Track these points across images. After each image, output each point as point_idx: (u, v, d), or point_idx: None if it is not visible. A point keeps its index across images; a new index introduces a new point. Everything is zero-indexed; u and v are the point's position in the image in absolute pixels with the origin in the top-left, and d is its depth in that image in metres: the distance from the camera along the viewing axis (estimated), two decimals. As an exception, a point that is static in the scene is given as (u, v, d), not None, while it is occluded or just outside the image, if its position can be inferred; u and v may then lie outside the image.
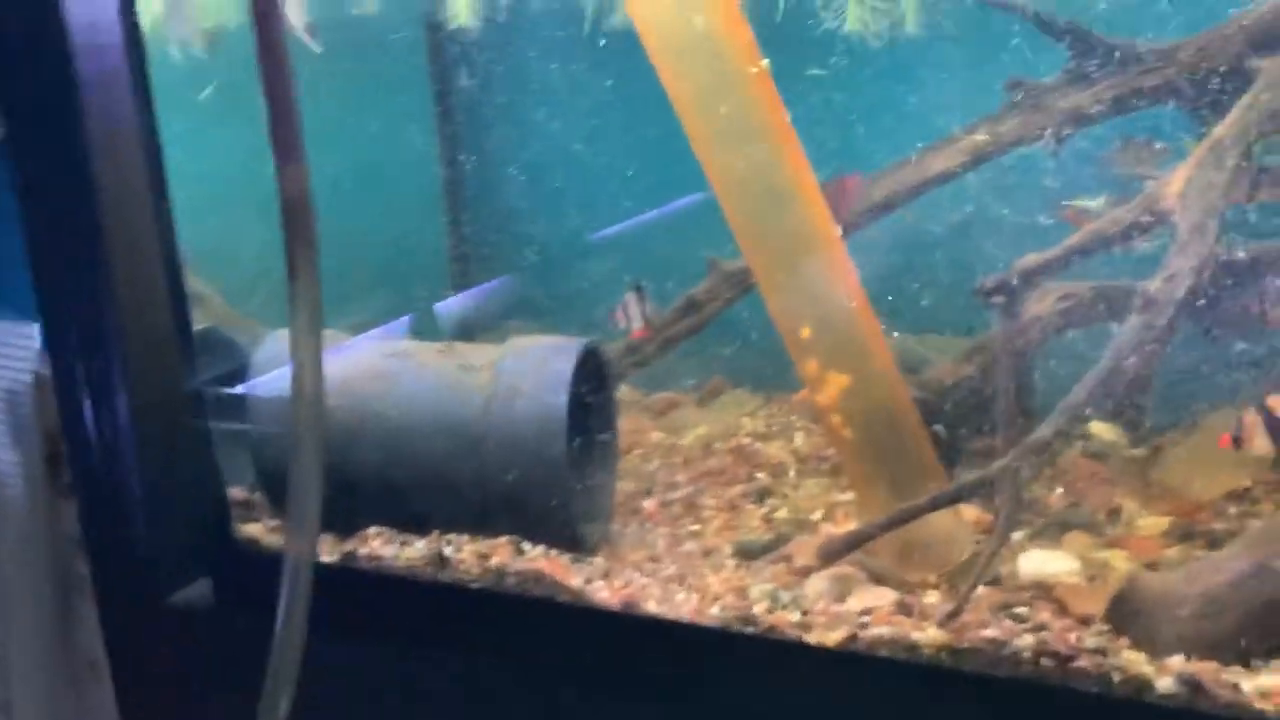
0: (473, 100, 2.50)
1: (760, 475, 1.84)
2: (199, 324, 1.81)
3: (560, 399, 1.51)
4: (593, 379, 1.63)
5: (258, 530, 1.73)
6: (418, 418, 1.58)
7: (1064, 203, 1.71)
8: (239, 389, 1.67)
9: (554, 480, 1.51)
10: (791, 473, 1.85)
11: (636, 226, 2.32)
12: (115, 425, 1.68)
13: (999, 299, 1.52)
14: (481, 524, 1.58)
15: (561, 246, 2.52)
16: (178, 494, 1.74)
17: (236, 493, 1.78)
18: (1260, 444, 1.42)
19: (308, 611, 1.08)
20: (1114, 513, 1.66)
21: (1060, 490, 1.74)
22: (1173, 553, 1.54)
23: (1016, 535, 1.62)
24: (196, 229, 2.12)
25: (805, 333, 1.42)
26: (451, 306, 2.58)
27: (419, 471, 1.58)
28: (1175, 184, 1.46)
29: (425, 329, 2.49)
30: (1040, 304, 1.74)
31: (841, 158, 1.92)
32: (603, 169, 2.43)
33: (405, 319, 2.57)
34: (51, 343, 1.66)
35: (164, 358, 1.67)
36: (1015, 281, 1.52)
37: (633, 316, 1.86)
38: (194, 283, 2.12)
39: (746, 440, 1.98)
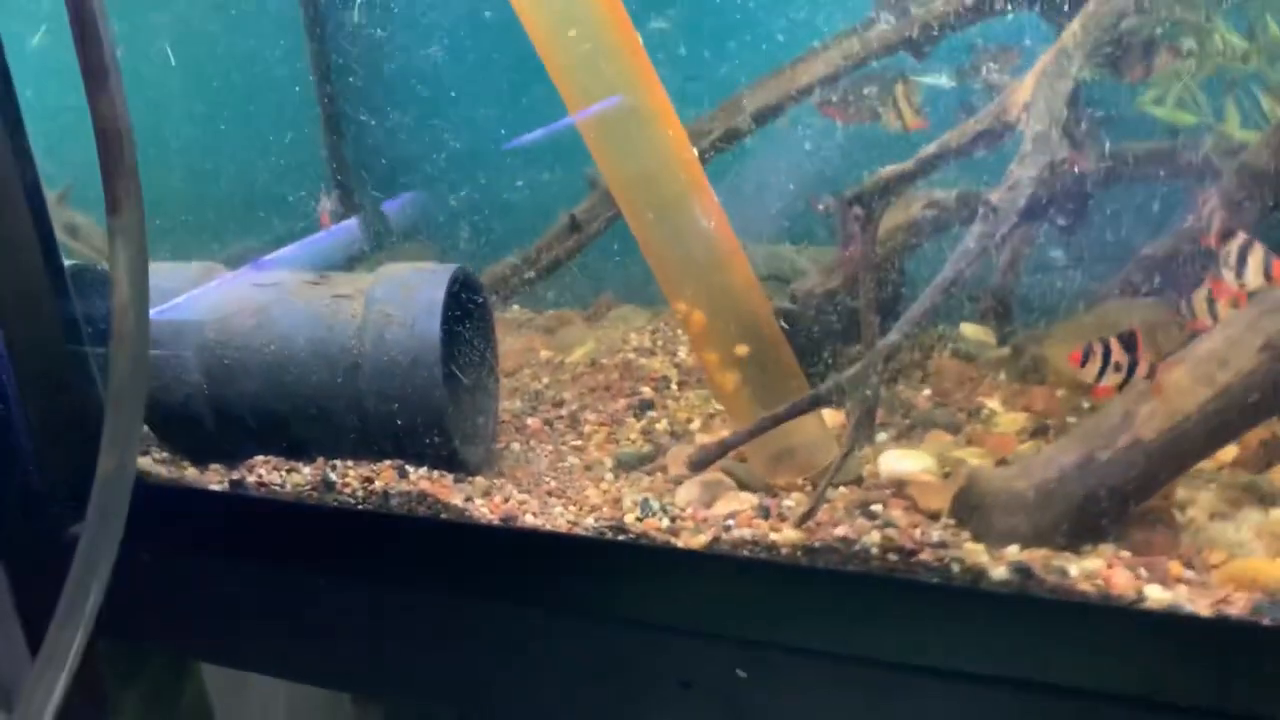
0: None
1: (644, 389, 1.89)
2: (75, 257, 1.80)
3: (433, 325, 1.54)
4: (467, 303, 1.65)
5: (146, 463, 1.75)
6: (294, 349, 1.60)
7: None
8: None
9: (430, 406, 1.54)
10: (673, 385, 1.90)
11: (549, 136, 2.31)
12: (-7, 367, 1.67)
13: (857, 211, 1.56)
14: (364, 449, 1.62)
15: (461, 161, 2.50)
16: (65, 433, 1.75)
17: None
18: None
19: (121, 528, 1.11)
20: (976, 412, 1.75)
21: (928, 392, 1.81)
22: (1025, 448, 1.62)
23: (881, 437, 1.70)
24: (66, 161, 2.08)
25: (663, 253, 1.45)
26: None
27: (299, 402, 1.61)
28: (1022, 94, 1.50)
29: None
30: (907, 211, 1.79)
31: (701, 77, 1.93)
32: (499, 79, 2.40)
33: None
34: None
35: (36, 297, 1.66)
36: (870, 194, 1.56)
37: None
38: (70, 215, 2.10)
39: (632, 355, 2.02)
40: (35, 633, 1.96)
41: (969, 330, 1.93)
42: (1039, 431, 1.66)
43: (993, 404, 1.75)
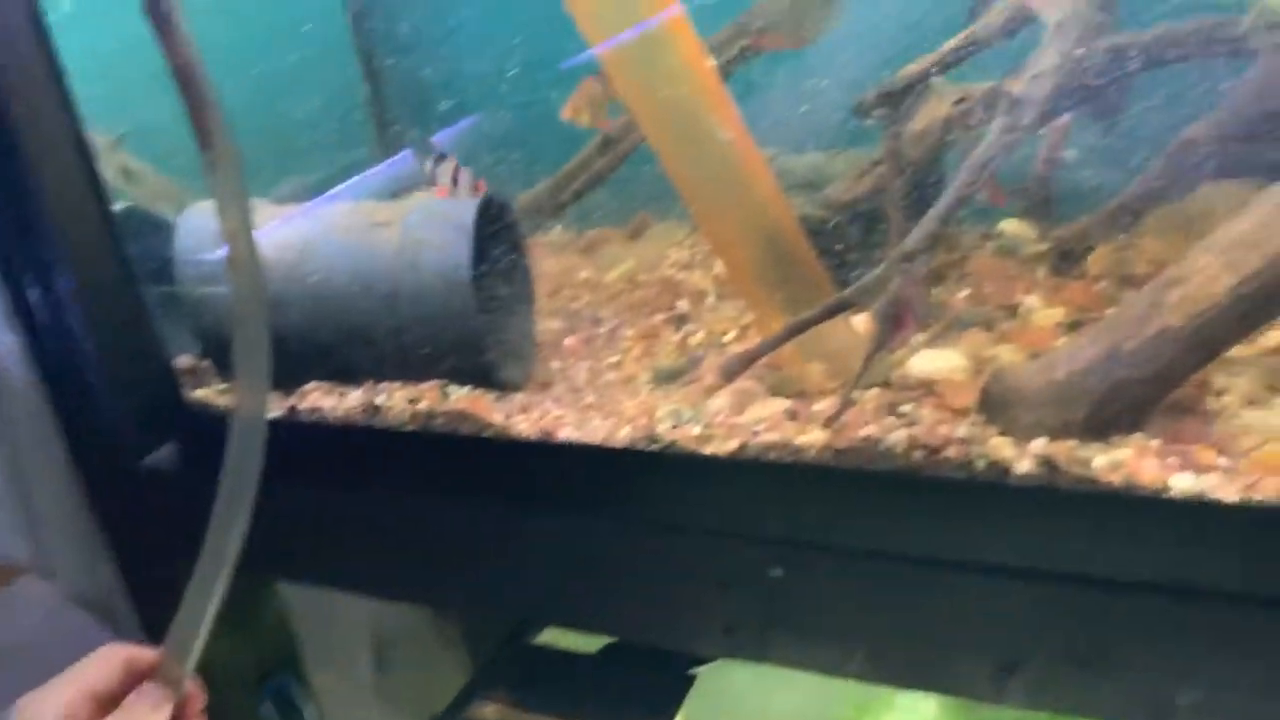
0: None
1: (681, 303, 1.91)
2: (130, 201, 1.88)
3: (464, 248, 1.58)
4: (498, 226, 1.68)
5: (209, 394, 1.84)
6: (336, 278, 1.65)
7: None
8: (165, 262, 1.74)
9: (466, 327, 1.59)
10: (710, 299, 1.92)
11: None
12: (60, 307, 1.77)
13: (880, 112, 1.54)
14: (408, 372, 1.67)
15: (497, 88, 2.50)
16: (131, 367, 1.84)
17: (183, 361, 1.88)
18: None
19: (260, 466, 1.17)
20: (1013, 309, 1.73)
21: (966, 292, 1.79)
22: (1062, 343, 1.60)
23: (917, 338, 1.70)
24: (122, 108, 2.15)
25: (682, 168, 1.47)
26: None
27: (343, 329, 1.67)
28: (1044, -21, 1.46)
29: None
30: (937, 108, 1.76)
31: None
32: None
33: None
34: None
35: (92, 239, 1.74)
36: (896, 93, 1.54)
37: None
38: (126, 160, 2.18)
39: (670, 271, 2.04)
40: (124, 562, 2.09)
41: (1010, 226, 1.90)
42: (1076, 326, 1.64)
43: (1031, 300, 1.73)
